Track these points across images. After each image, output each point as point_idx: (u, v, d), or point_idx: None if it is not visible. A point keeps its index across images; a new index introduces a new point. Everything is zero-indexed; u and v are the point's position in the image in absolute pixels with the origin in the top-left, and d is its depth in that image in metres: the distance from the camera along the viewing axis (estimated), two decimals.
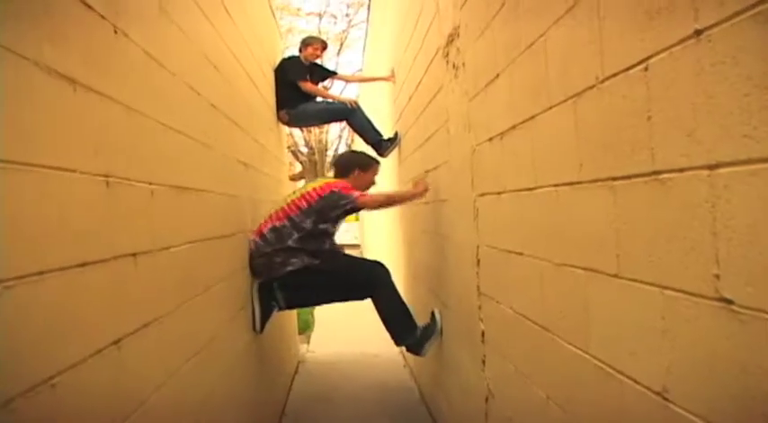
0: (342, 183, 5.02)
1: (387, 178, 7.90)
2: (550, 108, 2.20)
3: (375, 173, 5.33)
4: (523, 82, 2.49)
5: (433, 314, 5.08)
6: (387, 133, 7.16)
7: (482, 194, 3.25)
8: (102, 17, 2.19)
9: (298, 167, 32.16)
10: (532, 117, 2.39)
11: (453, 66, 3.74)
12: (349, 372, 7.89)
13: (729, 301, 1.27)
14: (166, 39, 2.91)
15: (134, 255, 2.35)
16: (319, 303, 5.88)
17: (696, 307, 1.38)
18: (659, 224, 1.53)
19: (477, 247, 3.41)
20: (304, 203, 4.89)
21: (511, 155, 2.70)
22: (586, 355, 2.00)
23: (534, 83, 2.36)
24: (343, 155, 5.52)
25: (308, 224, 4.85)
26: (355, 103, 6.99)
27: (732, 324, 1.26)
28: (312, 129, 27.92)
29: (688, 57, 1.36)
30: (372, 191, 5.28)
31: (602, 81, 1.78)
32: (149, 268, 2.48)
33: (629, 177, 1.67)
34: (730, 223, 1.26)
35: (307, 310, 11.64)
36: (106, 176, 2.13)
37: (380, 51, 8.65)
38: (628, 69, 1.63)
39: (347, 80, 9.80)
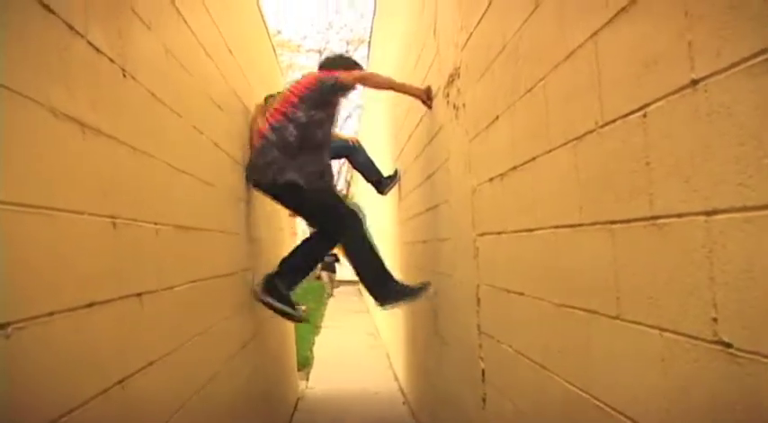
0: (322, 72, 5.10)
1: (386, 216, 7.93)
2: (551, 151, 2.24)
3: None
4: (524, 124, 2.53)
5: (426, 283, 5.03)
6: (386, 170, 7.20)
7: (482, 234, 3.28)
8: (111, 60, 2.24)
9: None
10: (533, 159, 2.43)
11: (454, 106, 3.78)
12: (348, 408, 7.87)
13: (728, 345, 1.30)
14: (172, 80, 2.96)
15: (139, 294, 2.37)
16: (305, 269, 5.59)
17: (695, 349, 1.41)
18: (658, 268, 1.56)
19: (478, 285, 3.44)
20: (295, 98, 4.95)
21: (511, 196, 2.74)
22: (587, 396, 2.02)
23: (534, 125, 2.40)
24: (328, 57, 5.56)
25: (300, 114, 4.88)
26: (356, 140, 7.04)
27: (731, 367, 1.29)
28: None
29: (685, 105, 1.40)
30: None
31: (602, 126, 1.82)
32: (154, 308, 2.51)
33: (628, 221, 1.70)
34: (727, 268, 1.29)
35: (306, 345, 11.61)
36: (113, 217, 2.17)
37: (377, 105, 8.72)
38: (626, 115, 1.67)
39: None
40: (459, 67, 3.59)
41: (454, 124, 3.82)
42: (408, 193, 6.31)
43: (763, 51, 1.15)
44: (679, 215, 1.45)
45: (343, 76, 4.91)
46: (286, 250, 5.76)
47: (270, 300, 4.92)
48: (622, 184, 1.72)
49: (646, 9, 1.57)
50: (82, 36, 2.00)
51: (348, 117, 28.91)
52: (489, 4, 2.88)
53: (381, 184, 6.92)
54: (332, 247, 5.26)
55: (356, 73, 5.03)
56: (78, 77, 1.97)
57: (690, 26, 1.37)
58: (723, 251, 1.30)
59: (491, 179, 3.02)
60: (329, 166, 5.17)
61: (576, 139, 2.01)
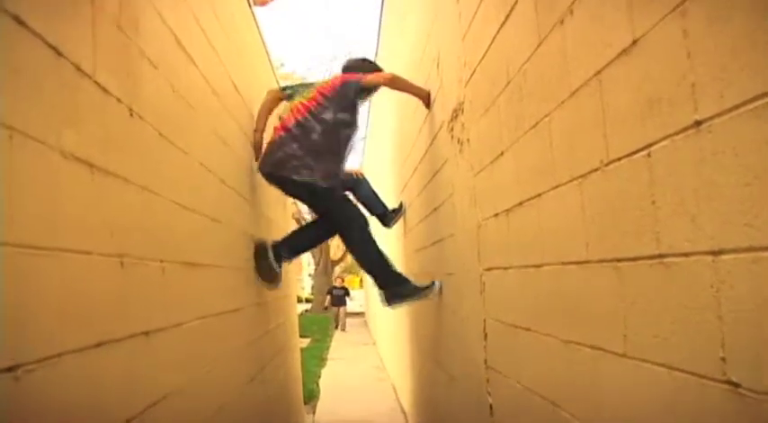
0: (348, 74, 5.23)
1: (392, 249, 7.93)
2: (556, 187, 2.25)
3: None
4: (529, 160, 2.54)
5: (433, 282, 5.09)
6: (391, 203, 7.21)
7: (489, 269, 3.28)
8: (119, 100, 2.26)
9: None
10: (538, 195, 2.44)
11: (458, 141, 3.80)
12: None
13: (736, 384, 1.29)
14: (179, 118, 2.99)
15: (146, 333, 2.38)
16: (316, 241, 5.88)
17: (703, 389, 1.41)
18: (665, 306, 1.56)
19: (485, 320, 3.43)
20: (321, 97, 5.03)
21: (517, 231, 2.74)
22: None
23: (540, 162, 2.41)
24: (350, 60, 5.64)
25: (328, 115, 4.96)
26: (361, 173, 7.05)
27: (739, 406, 1.28)
28: None
29: (689, 145, 1.41)
30: None
31: (607, 164, 1.83)
32: (161, 345, 2.51)
33: (634, 259, 1.70)
34: (735, 308, 1.29)
35: (312, 378, 11.56)
36: (120, 256, 2.18)
37: (385, 120, 8.75)
38: (631, 154, 1.68)
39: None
40: (463, 103, 3.60)
41: (459, 159, 3.84)
42: (414, 227, 6.31)
43: (764, 94, 1.16)
44: (686, 254, 1.45)
45: (366, 77, 5.04)
46: (292, 288, 5.76)
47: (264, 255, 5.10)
48: (628, 222, 1.73)
49: (647, 49, 1.58)
50: (90, 77, 2.03)
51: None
52: (492, 40, 2.90)
53: (386, 217, 6.93)
54: (334, 235, 5.45)
55: (378, 74, 5.15)
56: (86, 118, 1.99)
57: (692, 67, 1.38)
58: (731, 291, 1.30)
59: (497, 214, 3.03)
60: (343, 169, 5.24)
61: (582, 176, 2.02)
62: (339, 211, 5.15)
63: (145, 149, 2.50)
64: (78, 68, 1.95)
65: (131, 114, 2.37)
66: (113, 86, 2.20)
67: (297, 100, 5.17)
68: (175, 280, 2.78)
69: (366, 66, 5.51)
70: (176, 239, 2.83)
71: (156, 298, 2.53)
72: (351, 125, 5.11)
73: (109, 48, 2.20)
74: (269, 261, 5.08)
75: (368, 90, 5.12)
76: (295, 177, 4.87)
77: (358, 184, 6.92)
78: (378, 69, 5.48)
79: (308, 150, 4.90)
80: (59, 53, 1.83)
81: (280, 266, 5.20)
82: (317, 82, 5.39)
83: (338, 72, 5.50)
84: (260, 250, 5.08)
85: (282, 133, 5.00)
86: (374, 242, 5.13)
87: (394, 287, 5.10)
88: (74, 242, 1.86)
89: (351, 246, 5.23)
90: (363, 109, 5.54)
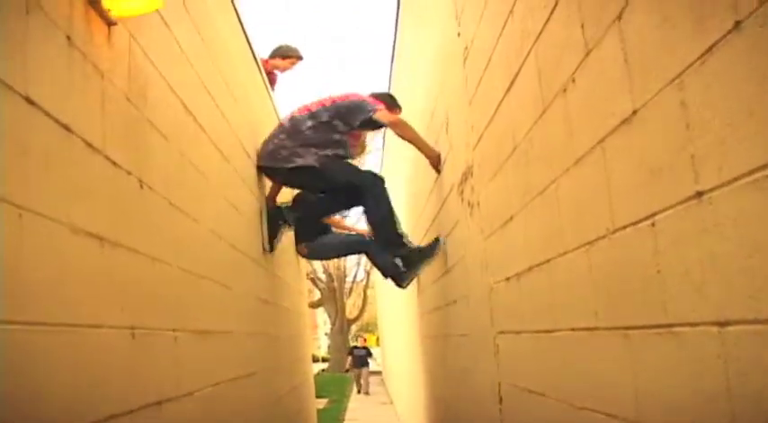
0: (368, 96, 5.25)
1: (406, 310, 7.91)
2: (565, 253, 2.25)
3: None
4: (537, 225, 2.55)
5: (437, 238, 5.09)
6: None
7: (502, 332, 3.26)
8: (129, 173, 2.29)
9: (317, 295, 32.15)
10: (548, 261, 2.44)
11: (468, 203, 3.81)
12: None
13: None
14: (189, 186, 3.01)
15: (159, 403, 2.37)
16: (322, 215, 6.11)
17: None
18: (675, 375, 1.55)
19: (499, 384, 3.41)
20: (329, 101, 5.11)
21: (528, 295, 2.74)
22: None
23: (548, 227, 2.41)
24: (378, 92, 5.65)
25: (325, 117, 5.02)
26: (371, 234, 7.07)
27: None
28: None
29: (692, 216, 1.42)
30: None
31: (613, 232, 1.83)
32: (174, 415, 2.50)
33: (643, 328, 1.69)
34: (743, 380, 1.28)
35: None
36: (132, 328, 2.18)
37: (396, 178, 8.80)
38: (636, 223, 1.69)
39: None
40: (472, 166, 3.63)
41: (469, 221, 3.85)
42: (427, 287, 6.30)
43: (762, 167, 1.16)
44: (692, 324, 1.45)
45: (381, 113, 5.06)
46: (307, 348, 5.75)
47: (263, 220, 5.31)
48: (636, 291, 1.72)
49: (647, 120, 1.59)
50: (100, 152, 2.06)
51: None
52: (498, 105, 2.93)
53: (400, 277, 6.91)
54: (348, 209, 5.87)
55: (393, 116, 5.16)
56: (96, 192, 2.02)
57: (691, 139, 1.39)
58: (738, 363, 1.29)
59: (508, 278, 3.03)
60: (344, 153, 5.25)
61: (589, 243, 2.02)
62: (348, 182, 5.19)
63: (155, 220, 2.52)
64: (88, 144, 1.98)
65: (141, 186, 2.39)
66: (123, 159, 2.23)
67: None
68: (188, 348, 2.78)
69: (389, 100, 5.50)
70: (188, 308, 2.84)
71: (168, 367, 2.53)
72: (340, 131, 5.14)
73: (118, 121, 2.24)
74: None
75: (375, 122, 5.14)
76: (288, 166, 4.97)
77: (370, 245, 6.92)
78: (398, 109, 5.50)
79: (297, 140, 4.99)
80: (69, 130, 1.86)
81: (276, 234, 5.48)
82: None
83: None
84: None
85: (275, 129, 5.15)
86: (389, 205, 5.15)
87: (397, 248, 5.20)
88: (84, 317, 1.87)
89: (368, 213, 5.26)
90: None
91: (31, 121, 1.67)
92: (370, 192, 5.13)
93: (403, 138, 5.26)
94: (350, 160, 5.29)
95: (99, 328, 1.96)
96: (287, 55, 7.30)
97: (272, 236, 5.39)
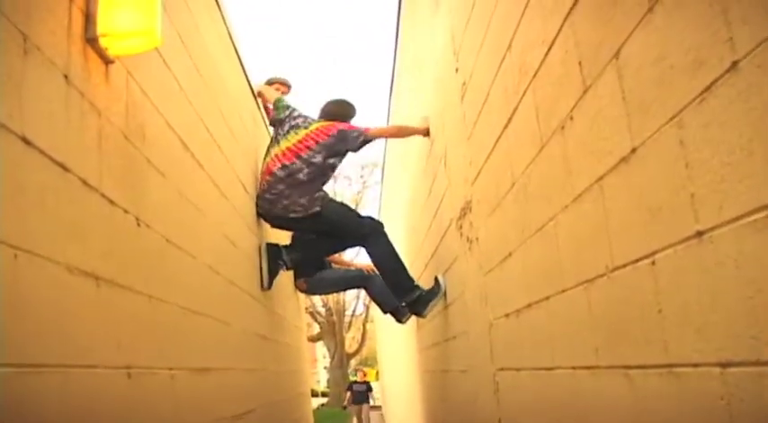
0: (341, 123, 5.35)
1: (405, 345, 7.87)
2: (564, 291, 2.23)
3: None
4: (536, 262, 2.53)
5: (437, 278, 5.10)
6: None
7: (502, 369, 3.24)
8: (126, 211, 2.28)
9: (316, 328, 32.05)
10: (547, 298, 2.42)
11: (467, 239, 3.80)
12: None
13: None
14: (187, 223, 3.00)
15: None
16: (321, 256, 6.26)
17: None
18: (678, 416, 1.53)
19: (499, 420, 3.37)
20: (312, 143, 5.14)
21: (528, 333, 2.72)
22: None
23: (547, 264, 2.40)
24: (331, 103, 5.72)
25: (318, 159, 5.09)
26: (371, 269, 7.04)
27: None
28: None
29: (692, 255, 1.40)
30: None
31: (612, 270, 1.82)
32: None
33: (644, 367, 1.68)
34: (746, 422, 1.26)
35: None
36: (128, 368, 2.16)
37: (395, 214, 8.80)
38: (636, 261, 1.67)
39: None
40: (471, 201, 3.62)
41: (468, 257, 3.83)
42: (426, 322, 6.26)
43: (761, 208, 1.15)
44: (694, 365, 1.43)
45: (370, 130, 5.22)
46: (306, 384, 5.72)
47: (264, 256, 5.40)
48: (636, 330, 1.71)
49: (646, 158, 1.59)
50: (96, 190, 2.05)
51: None
52: (496, 141, 2.93)
53: (399, 312, 6.89)
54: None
55: (383, 129, 5.50)
56: (92, 231, 2.01)
57: (690, 178, 1.38)
58: (741, 404, 1.27)
59: (507, 315, 3.01)
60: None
61: (588, 281, 2.00)
62: (351, 222, 5.31)
63: (152, 257, 2.51)
64: (85, 182, 1.97)
65: (138, 223, 2.38)
66: (120, 197, 2.22)
67: (283, 145, 5.26)
68: (185, 386, 2.75)
69: (351, 112, 5.66)
70: (185, 345, 2.82)
71: (165, 406, 2.50)
72: (335, 167, 5.32)
73: (115, 159, 2.23)
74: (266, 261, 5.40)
75: (369, 141, 5.26)
76: (291, 215, 5.06)
77: (369, 280, 6.90)
78: (353, 115, 5.67)
79: (296, 190, 5.05)
80: (66, 169, 1.85)
81: (274, 270, 5.50)
82: (305, 124, 5.42)
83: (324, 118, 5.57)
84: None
85: (269, 178, 5.15)
86: (392, 250, 5.24)
87: (412, 296, 5.15)
88: (79, 357, 1.85)
89: (371, 252, 5.33)
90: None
91: (28, 160, 1.66)
92: (371, 240, 5.25)
93: (398, 137, 5.68)
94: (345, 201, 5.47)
95: (94, 369, 1.94)
96: (272, 82, 7.33)
97: (271, 274, 5.40)
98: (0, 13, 1.59)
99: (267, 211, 5.16)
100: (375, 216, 6.60)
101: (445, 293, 4.97)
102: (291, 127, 5.37)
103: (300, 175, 5.05)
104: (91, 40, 2.11)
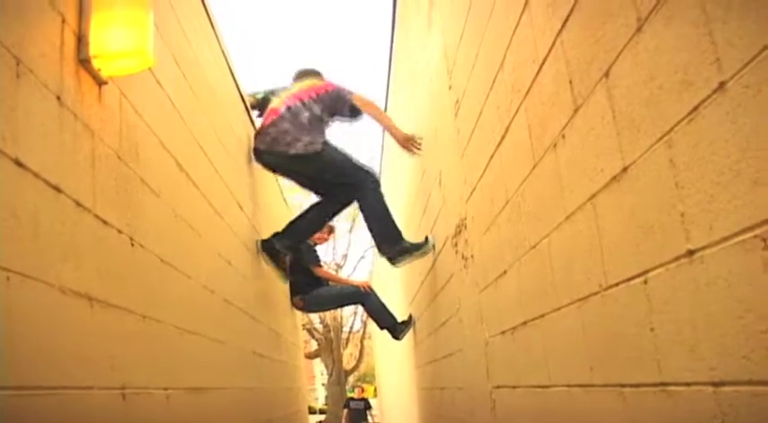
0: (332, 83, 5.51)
1: (402, 361, 7.85)
2: (558, 309, 2.23)
3: None
4: (531, 280, 2.54)
5: (426, 237, 5.20)
6: (400, 315, 7.18)
7: (498, 386, 3.23)
8: (119, 231, 2.27)
9: (313, 345, 31.95)
10: (542, 315, 2.42)
11: (462, 256, 3.80)
12: None
13: None
14: (181, 243, 3.00)
15: None
16: (313, 228, 5.98)
17: None
18: None
19: None
20: (313, 94, 5.27)
21: (523, 350, 2.71)
22: None
23: (541, 282, 2.40)
24: (307, 70, 5.91)
25: (317, 110, 5.20)
26: (368, 286, 7.05)
27: None
28: None
29: (684, 274, 1.41)
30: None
31: (606, 288, 1.82)
32: None
33: (638, 386, 1.68)
34: None
35: None
36: (122, 388, 2.16)
37: None
38: (628, 280, 1.68)
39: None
40: (466, 219, 3.62)
41: (463, 274, 3.83)
42: (424, 339, 6.26)
43: (750, 228, 1.16)
44: (687, 384, 1.43)
45: (356, 95, 5.31)
46: (303, 401, 5.70)
47: (264, 254, 5.43)
48: (629, 348, 1.71)
49: (637, 177, 1.59)
50: (89, 211, 2.04)
51: (362, 258, 28.95)
52: (490, 158, 2.93)
53: (396, 329, 6.89)
54: (343, 208, 5.69)
55: (363, 100, 5.33)
56: (86, 252, 2.00)
57: (681, 197, 1.39)
58: None
59: (503, 332, 3.01)
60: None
61: (582, 299, 2.01)
62: (349, 169, 5.32)
63: (146, 277, 2.50)
64: (78, 204, 1.97)
65: (132, 244, 2.38)
66: (114, 218, 2.22)
67: (283, 95, 5.39)
68: (180, 406, 2.74)
69: (319, 76, 5.77)
70: (180, 365, 2.81)
71: None
72: (328, 126, 5.40)
73: (109, 180, 2.23)
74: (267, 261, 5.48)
75: (354, 109, 5.35)
76: (292, 152, 5.03)
77: (366, 297, 6.91)
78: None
79: (298, 127, 5.10)
80: (59, 190, 1.85)
81: (276, 261, 5.55)
82: (294, 84, 5.59)
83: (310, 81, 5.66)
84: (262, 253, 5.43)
85: (275, 117, 5.20)
86: (384, 203, 5.30)
87: (398, 245, 5.24)
88: (74, 379, 1.84)
89: (361, 203, 5.38)
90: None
91: (20, 183, 1.66)
92: (365, 189, 5.30)
93: (377, 118, 5.47)
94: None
95: (89, 390, 1.93)
96: None
97: (280, 267, 5.60)
98: None
99: (268, 146, 5.17)
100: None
101: (434, 246, 5.09)
102: (283, 88, 5.58)
103: (303, 118, 5.14)
104: (84, 62, 2.11)
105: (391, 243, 5.28)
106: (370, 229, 5.39)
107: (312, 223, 5.72)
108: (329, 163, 5.21)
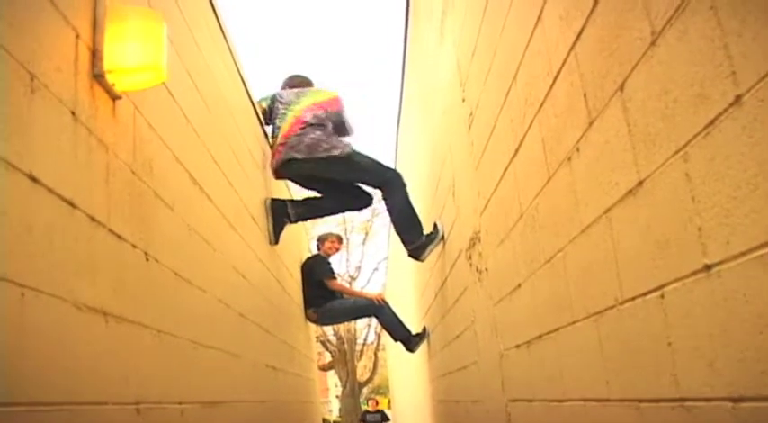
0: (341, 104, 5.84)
1: (417, 374, 7.83)
2: (574, 323, 2.22)
3: None
4: (545, 293, 2.52)
5: (435, 224, 5.36)
6: (414, 327, 7.16)
7: (513, 400, 3.22)
8: (134, 246, 2.28)
9: (327, 357, 31.94)
10: (557, 329, 2.40)
11: (477, 269, 3.79)
12: None
13: None
14: (196, 257, 3.00)
15: None
16: (328, 211, 6.37)
17: None
18: None
19: None
20: (320, 110, 5.58)
21: (539, 364, 2.70)
22: None
23: (556, 296, 2.39)
24: (301, 78, 6.30)
25: (329, 123, 5.53)
26: (382, 299, 7.04)
27: None
28: None
29: (701, 289, 1.39)
30: None
31: (622, 302, 1.81)
32: None
33: (655, 401, 1.66)
34: None
35: None
36: (137, 403, 2.15)
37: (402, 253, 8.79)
38: (645, 294, 1.66)
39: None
40: (480, 232, 3.61)
41: (478, 287, 3.82)
42: (438, 352, 6.24)
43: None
44: (706, 399, 1.41)
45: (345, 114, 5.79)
46: (317, 414, 5.68)
47: (270, 212, 5.63)
48: (646, 363, 1.69)
49: (653, 191, 1.58)
50: (104, 226, 2.05)
51: (375, 269, 28.94)
52: (504, 172, 2.93)
53: (410, 341, 6.88)
54: (355, 208, 6.19)
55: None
56: (100, 267, 2.01)
57: (698, 211, 1.38)
58: None
59: (518, 345, 2.99)
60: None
61: (598, 313, 1.99)
62: (377, 169, 5.57)
63: (161, 292, 2.50)
64: (93, 219, 1.97)
65: (147, 258, 2.38)
66: (128, 233, 2.23)
67: (304, 103, 5.63)
68: (195, 420, 2.74)
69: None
70: (195, 379, 2.80)
71: None
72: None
73: (123, 194, 2.23)
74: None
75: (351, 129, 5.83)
76: (334, 153, 5.29)
77: (380, 309, 6.90)
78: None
79: (328, 135, 5.40)
80: (73, 205, 1.86)
81: (280, 225, 5.71)
82: (299, 95, 5.81)
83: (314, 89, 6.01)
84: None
85: (302, 126, 5.41)
86: (410, 202, 5.53)
87: (420, 239, 5.39)
88: (88, 394, 1.84)
89: (393, 208, 5.59)
90: None
91: (35, 198, 1.67)
92: (394, 188, 5.53)
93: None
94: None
95: (103, 405, 1.93)
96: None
97: (276, 230, 5.63)
98: (6, 52, 1.60)
99: (306, 154, 5.31)
100: (385, 246, 6.69)
101: (443, 237, 5.21)
102: (292, 99, 5.75)
103: (326, 123, 5.47)
104: (98, 77, 2.12)
105: (416, 239, 5.40)
106: (397, 227, 5.57)
107: (325, 209, 6.10)
108: (358, 163, 5.43)
